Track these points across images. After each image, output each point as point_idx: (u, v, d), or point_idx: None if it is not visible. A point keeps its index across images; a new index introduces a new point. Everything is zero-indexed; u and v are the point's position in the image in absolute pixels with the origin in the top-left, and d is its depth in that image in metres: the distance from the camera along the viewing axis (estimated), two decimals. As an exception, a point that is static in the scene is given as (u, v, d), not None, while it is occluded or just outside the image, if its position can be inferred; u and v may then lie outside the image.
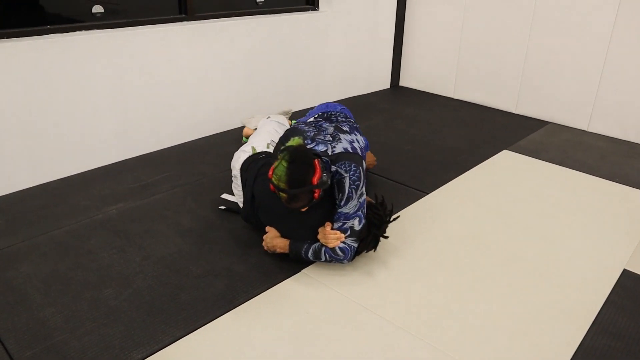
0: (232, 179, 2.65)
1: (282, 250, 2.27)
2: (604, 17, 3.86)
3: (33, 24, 2.87)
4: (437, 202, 2.93)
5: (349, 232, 2.18)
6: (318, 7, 4.34)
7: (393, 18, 4.93)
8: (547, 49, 4.21)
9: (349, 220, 2.17)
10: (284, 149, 2.07)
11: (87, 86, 3.01)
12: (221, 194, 2.87)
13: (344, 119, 2.52)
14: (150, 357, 1.80)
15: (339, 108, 2.67)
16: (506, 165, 3.44)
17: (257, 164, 2.46)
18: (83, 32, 3.01)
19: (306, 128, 2.36)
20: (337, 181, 2.17)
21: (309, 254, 2.22)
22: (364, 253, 2.34)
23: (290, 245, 2.25)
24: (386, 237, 2.35)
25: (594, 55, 3.97)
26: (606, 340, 1.95)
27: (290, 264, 2.31)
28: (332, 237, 2.17)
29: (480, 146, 3.75)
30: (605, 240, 2.61)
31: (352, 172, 2.16)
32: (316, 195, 2.05)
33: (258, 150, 2.59)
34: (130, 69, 3.18)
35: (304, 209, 2.14)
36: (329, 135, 2.30)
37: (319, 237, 2.22)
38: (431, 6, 4.83)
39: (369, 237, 2.26)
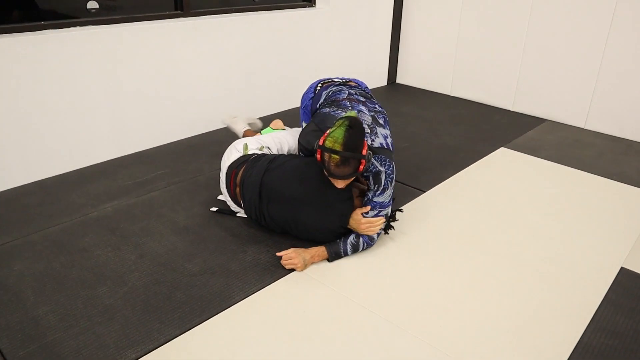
0: (220, 174, 2.62)
1: (320, 259, 2.32)
2: (601, 15, 3.85)
3: (27, 20, 2.85)
4: (434, 200, 2.92)
5: (383, 219, 2.34)
6: (315, 3, 4.32)
7: (390, 15, 4.92)
8: (544, 47, 4.20)
9: (384, 208, 2.32)
10: (341, 118, 2.17)
11: (82, 82, 2.99)
12: (217, 195, 2.85)
13: (380, 109, 2.53)
14: (145, 356, 1.78)
15: (364, 86, 2.73)
16: (503, 163, 3.43)
17: (258, 161, 2.44)
18: (78, 28, 2.98)
19: (343, 115, 2.36)
20: (373, 174, 2.27)
21: (348, 251, 2.34)
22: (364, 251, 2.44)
23: (327, 250, 2.32)
24: (396, 220, 2.54)
25: (591, 53, 3.97)
26: (604, 338, 1.94)
27: (286, 262, 2.30)
28: (378, 224, 2.30)
29: (477, 144, 3.74)
30: (603, 238, 2.60)
31: (387, 167, 2.28)
32: (361, 167, 2.13)
33: (250, 151, 2.56)
34: (125, 65, 3.15)
35: (340, 185, 2.19)
36: (366, 127, 2.34)
37: (361, 227, 2.29)
38: (428, 3, 4.82)
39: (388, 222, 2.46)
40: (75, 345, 1.81)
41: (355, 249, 2.35)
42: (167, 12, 3.42)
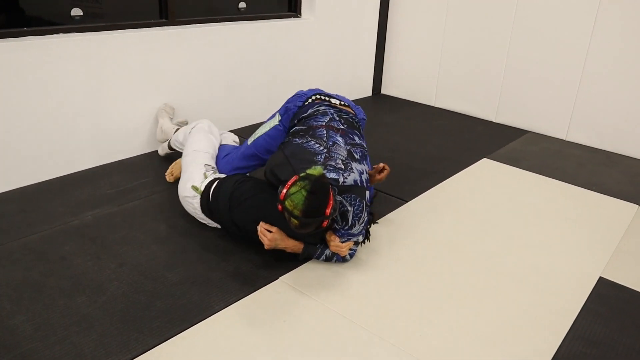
0: (201, 220, 2.60)
1: (291, 251, 2.30)
2: (581, 29, 3.92)
3: (9, 26, 2.83)
4: (416, 210, 2.94)
5: (351, 244, 2.34)
6: (300, 14, 4.34)
7: (375, 26, 4.96)
8: (527, 59, 4.26)
9: (353, 236, 2.31)
10: (304, 177, 2.04)
11: (64, 89, 2.97)
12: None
13: (358, 142, 2.44)
14: (123, 366, 1.76)
15: (361, 116, 2.67)
16: (485, 174, 3.46)
17: (217, 199, 2.41)
18: (61, 34, 2.97)
19: (316, 147, 2.30)
20: (341, 212, 2.23)
21: (321, 258, 2.35)
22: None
23: (303, 249, 2.30)
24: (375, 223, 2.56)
25: (572, 65, 4.03)
26: (582, 347, 1.96)
27: (268, 271, 2.29)
28: (346, 248, 2.29)
29: (460, 154, 3.77)
30: (582, 248, 2.63)
31: (356, 207, 2.23)
32: (324, 224, 2.08)
33: (202, 187, 2.49)
34: (109, 73, 3.14)
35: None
36: (340, 162, 2.26)
37: (331, 248, 2.31)
38: (413, 15, 4.87)
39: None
40: (51, 355, 1.78)
41: (328, 261, 2.36)
42: (152, 21, 3.42)
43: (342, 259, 2.37)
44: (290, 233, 2.29)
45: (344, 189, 2.21)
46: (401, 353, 1.88)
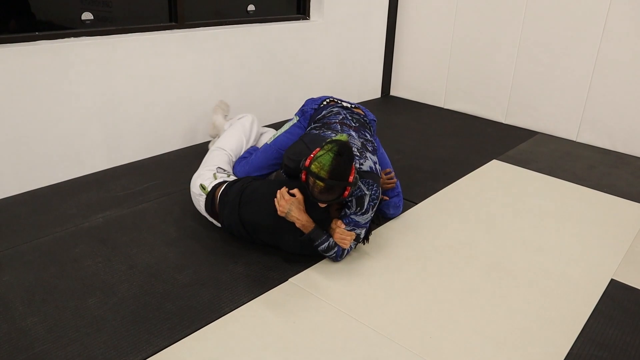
0: (204, 216, 2.62)
1: (298, 225, 2.22)
2: (592, 29, 3.90)
3: (21, 31, 2.86)
4: (426, 212, 2.93)
5: (354, 235, 2.31)
6: (309, 16, 4.35)
7: (384, 28, 4.96)
8: (537, 60, 4.24)
9: (358, 227, 2.30)
10: (331, 142, 2.12)
11: (75, 93, 3.00)
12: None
13: (369, 139, 2.52)
14: (134, 367, 1.77)
15: (371, 117, 2.71)
16: (495, 175, 3.45)
17: (226, 196, 2.41)
18: (72, 39, 3.00)
19: (333, 136, 2.36)
20: (357, 197, 2.25)
21: (322, 246, 2.28)
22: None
23: (312, 230, 2.23)
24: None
25: (582, 65, 4.01)
26: (594, 350, 1.95)
27: (277, 273, 2.29)
28: (349, 239, 2.26)
29: (469, 156, 3.76)
30: (593, 250, 2.61)
31: (373, 191, 2.28)
32: (345, 194, 2.11)
33: (209, 188, 2.49)
34: (119, 76, 3.16)
35: (322, 205, 2.18)
36: (356, 150, 2.32)
37: (335, 237, 2.27)
38: (422, 17, 4.86)
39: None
40: (63, 356, 1.79)
41: (327, 252, 2.29)
42: (162, 24, 3.44)
43: (341, 253, 2.31)
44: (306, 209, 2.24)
45: (362, 174, 2.25)
46: (411, 355, 1.88)
